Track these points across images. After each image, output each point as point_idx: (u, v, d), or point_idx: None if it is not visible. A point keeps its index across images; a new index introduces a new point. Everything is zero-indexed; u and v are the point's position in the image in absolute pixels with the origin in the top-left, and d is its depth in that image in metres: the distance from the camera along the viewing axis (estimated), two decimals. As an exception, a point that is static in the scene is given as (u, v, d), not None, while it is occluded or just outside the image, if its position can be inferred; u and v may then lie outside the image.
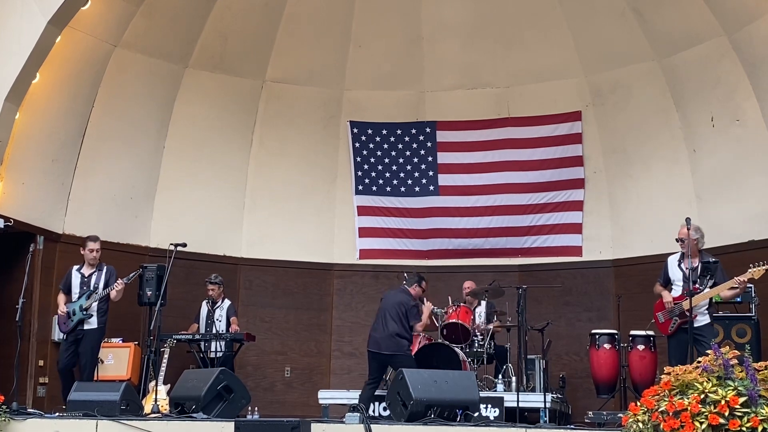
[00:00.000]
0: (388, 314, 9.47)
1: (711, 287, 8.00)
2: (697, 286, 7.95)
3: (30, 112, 9.84)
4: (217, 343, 10.32)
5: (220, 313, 10.68)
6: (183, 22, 11.16)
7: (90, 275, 9.40)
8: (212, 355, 10.35)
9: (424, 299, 9.90)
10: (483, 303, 10.56)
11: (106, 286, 9.31)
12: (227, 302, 10.82)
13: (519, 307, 9.17)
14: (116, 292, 9.27)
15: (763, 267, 7.84)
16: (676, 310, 8.13)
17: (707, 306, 8.12)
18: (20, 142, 9.80)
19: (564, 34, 11.38)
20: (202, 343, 10.41)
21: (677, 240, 8.25)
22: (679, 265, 8.32)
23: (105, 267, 9.46)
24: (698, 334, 7.93)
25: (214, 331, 10.50)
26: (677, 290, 8.26)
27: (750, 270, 7.87)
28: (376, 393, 9.48)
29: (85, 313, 9.16)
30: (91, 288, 9.29)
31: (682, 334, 8.04)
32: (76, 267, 9.50)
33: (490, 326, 10.28)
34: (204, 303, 10.78)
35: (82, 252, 9.46)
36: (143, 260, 10.66)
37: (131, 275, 9.43)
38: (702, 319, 8.06)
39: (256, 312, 11.91)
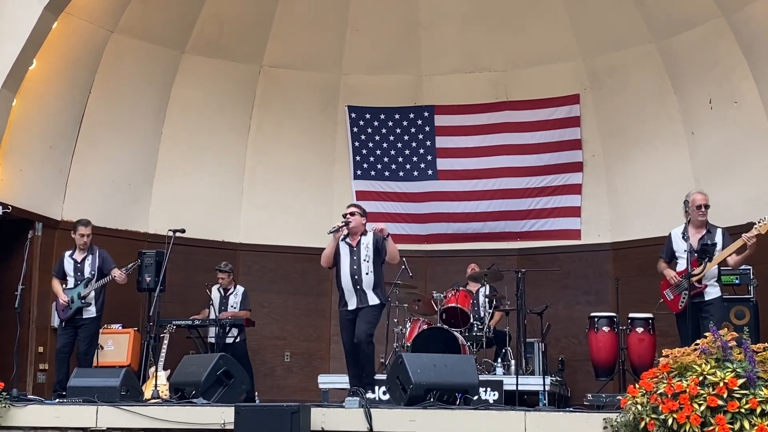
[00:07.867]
0: None
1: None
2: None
3: (27, 98, 9.81)
4: (218, 329, 10.30)
5: (235, 300, 10.70)
6: (179, 7, 11.12)
7: (82, 260, 9.36)
8: (229, 340, 10.35)
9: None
10: (485, 287, 10.54)
11: (99, 270, 9.31)
12: (241, 288, 10.84)
13: (518, 291, 9.19)
14: (120, 280, 9.29)
15: (767, 222, 7.64)
16: (684, 284, 7.79)
17: (717, 277, 7.85)
18: (18, 129, 9.78)
19: (561, 17, 11.34)
20: (215, 329, 10.40)
21: (699, 207, 7.94)
22: (683, 237, 7.98)
23: (97, 250, 9.43)
24: (708, 307, 7.74)
25: None
26: (682, 263, 7.95)
27: (756, 226, 7.64)
28: (376, 377, 9.45)
29: (83, 301, 9.16)
30: (85, 274, 9.28)
31: (693, 309, 7.71)
32: (68, 252, 9.47)
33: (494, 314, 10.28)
34: (215, 288, 10.79)
35: (73, 236, 9.43)
36: (142, 246, 10.65)
37: (129, 266, 9.43)
38: (712, 291, 7.80)
39: (254, 297, 11.84)
